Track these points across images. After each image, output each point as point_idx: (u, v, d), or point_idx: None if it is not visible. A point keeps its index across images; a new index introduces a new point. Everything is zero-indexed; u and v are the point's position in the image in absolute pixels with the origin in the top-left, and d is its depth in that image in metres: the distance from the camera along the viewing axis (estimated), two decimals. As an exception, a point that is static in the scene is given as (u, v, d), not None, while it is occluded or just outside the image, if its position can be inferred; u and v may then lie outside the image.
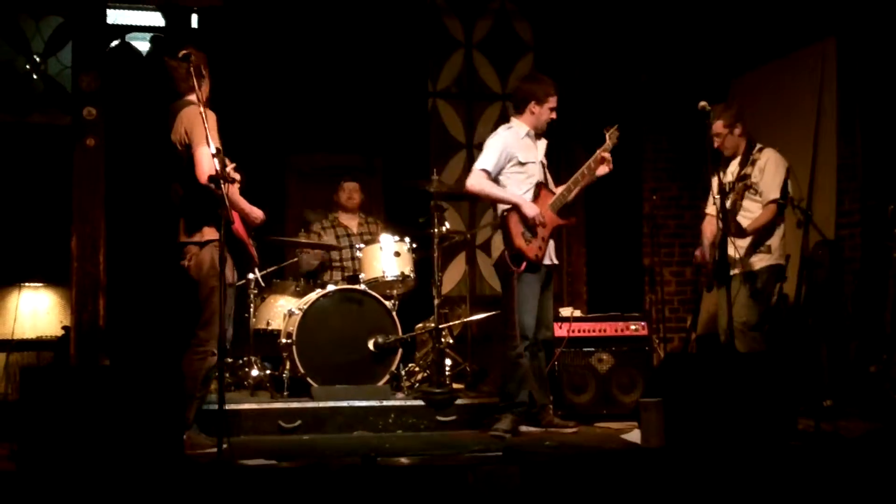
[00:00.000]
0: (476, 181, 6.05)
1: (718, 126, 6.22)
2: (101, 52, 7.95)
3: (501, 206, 6.10)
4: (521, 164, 6.11)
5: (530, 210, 6.01)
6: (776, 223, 6.17)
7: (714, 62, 8.50)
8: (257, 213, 5.44)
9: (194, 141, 5.14)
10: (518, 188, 6.10)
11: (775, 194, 6.12)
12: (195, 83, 5.18)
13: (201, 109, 5.02)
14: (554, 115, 6.22)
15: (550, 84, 6.21)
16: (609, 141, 6.23)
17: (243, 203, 5.37)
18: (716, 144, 6.23)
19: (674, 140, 8.84)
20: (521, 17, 9.41)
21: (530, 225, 6.01)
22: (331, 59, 8.61)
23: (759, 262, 6.15)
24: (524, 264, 5.95)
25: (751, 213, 6.15)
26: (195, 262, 5.31)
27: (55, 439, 4.11)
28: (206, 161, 5.05)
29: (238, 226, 5.26)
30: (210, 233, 5.27)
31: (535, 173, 6.17)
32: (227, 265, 5.14)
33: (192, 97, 5.27)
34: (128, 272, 7.70)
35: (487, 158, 6.06)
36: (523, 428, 6.09)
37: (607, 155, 6.18)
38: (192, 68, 5.09)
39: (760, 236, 6.14)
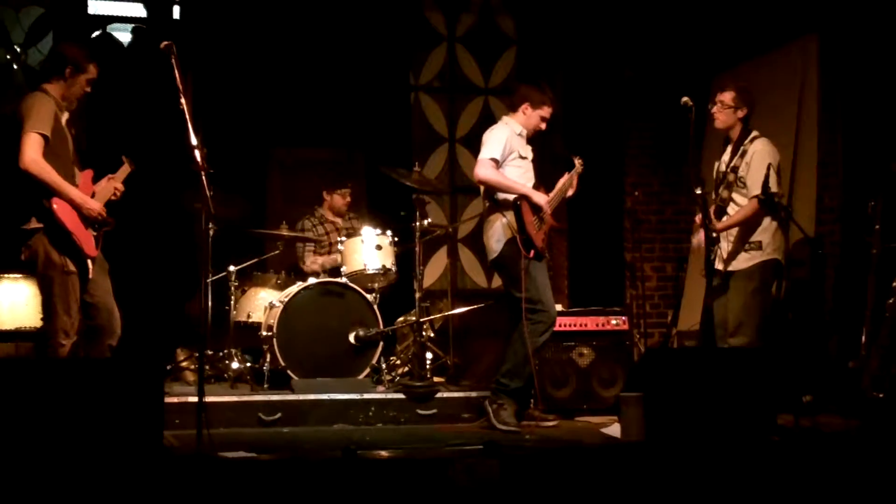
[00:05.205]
0: (486, 170, 6.03)
1: (727, 97, 5.97)
2: (82, 42, 7.88)
3: (508, 196, 6.05)
4: (522, 157, 6.16)
5: (540, 199, 6.07)
6: (760, 219, 5.90)
7: (697, 58, 8.51)
8: (91, 205, 5.27)
9: (25, 125, 5.08)
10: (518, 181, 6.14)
11: (757, 190, 5.79)
12: (67, 77, 5.28)
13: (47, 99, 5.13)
14: (543, 126, 6.27)
15: (550, 95, 6.28)
16: (578, 166, 6.38)
17: (75, 193, 5.22)
18: (713, 109, 6.01)
19: (656, 136, 8.85)
20: (504, 11, 9.41)
21: (538, 215, 6.06)
22: (314, 53, 8.58)
23: (750, 259, 5.91)
24: (532, 251, 5.99)
25: (740, 207, 5.94)
26: (29, 254, 5.19)
27: (34, 431, 4.08)
28: (31, 147, 5.04)
29: (63, 215, 5.13)
30: (33, 221, 5.16)
31: (531, 170, 6.22)
32: (54, 253, 5.10)
33: (50, 87, 5.29)
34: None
35: (494, 148, 6.05)
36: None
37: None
38: (173, 58, 5.01)
39: (745, 233, 5.93)
